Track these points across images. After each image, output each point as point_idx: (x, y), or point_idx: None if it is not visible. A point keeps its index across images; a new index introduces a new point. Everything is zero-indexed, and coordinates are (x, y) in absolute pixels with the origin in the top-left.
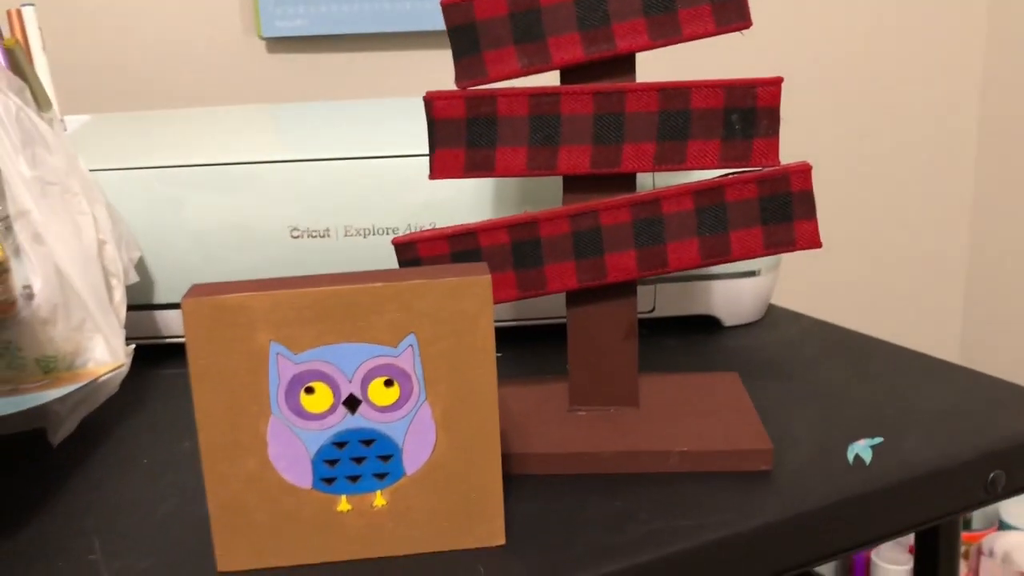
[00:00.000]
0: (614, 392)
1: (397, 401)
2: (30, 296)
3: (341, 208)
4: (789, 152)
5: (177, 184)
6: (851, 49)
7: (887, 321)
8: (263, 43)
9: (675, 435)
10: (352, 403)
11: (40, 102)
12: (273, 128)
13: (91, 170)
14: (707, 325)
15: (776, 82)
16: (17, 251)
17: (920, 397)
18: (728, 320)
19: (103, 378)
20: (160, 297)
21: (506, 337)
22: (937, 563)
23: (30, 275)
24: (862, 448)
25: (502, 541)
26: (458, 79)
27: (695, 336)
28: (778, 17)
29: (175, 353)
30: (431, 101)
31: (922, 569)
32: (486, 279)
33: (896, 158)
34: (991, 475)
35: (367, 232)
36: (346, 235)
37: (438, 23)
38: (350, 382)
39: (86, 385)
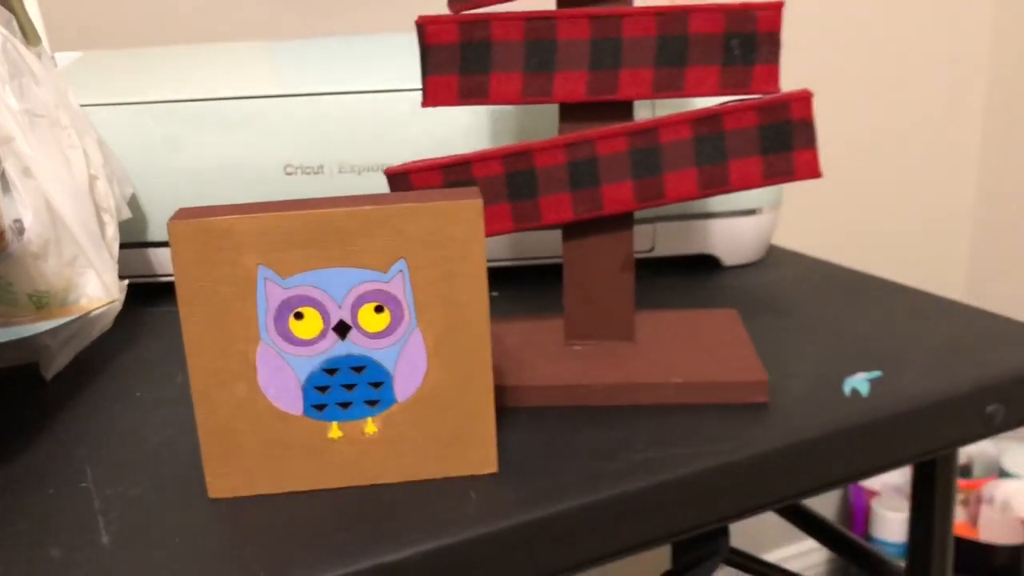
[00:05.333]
0: (610, 326)
1: (388, 327)
2: (20, 230)
3: (335, 144)
4: (793, 80)
5: (170, 120)
6: None
7: (892, 262)
8: None
9: (671, 367)
10: (342, 329)
11: (28, 36)
12: (267, 64)
13: (82, 105)
14: (707, 265)
15: (777, 6)
16: (6, 185)
17: (919, 332)
18: (728, 260)
19: (95, 312)
20: (153, 235)
21: (501, 277)
22: (933, 497)
23: (20, 209)
24: (859, 382)
25: (494, 469)
26: (450, 3)
27: (695, 276)
28: None
29: (169, 291)
30: (423, 26)
31: (917, 503)
32: (477, 203)
33: (903, 92)
34: (989, 408)
35: (361, 169)
36: (340, 172)
37: None
38: (340, 308)
39: (78, 319)
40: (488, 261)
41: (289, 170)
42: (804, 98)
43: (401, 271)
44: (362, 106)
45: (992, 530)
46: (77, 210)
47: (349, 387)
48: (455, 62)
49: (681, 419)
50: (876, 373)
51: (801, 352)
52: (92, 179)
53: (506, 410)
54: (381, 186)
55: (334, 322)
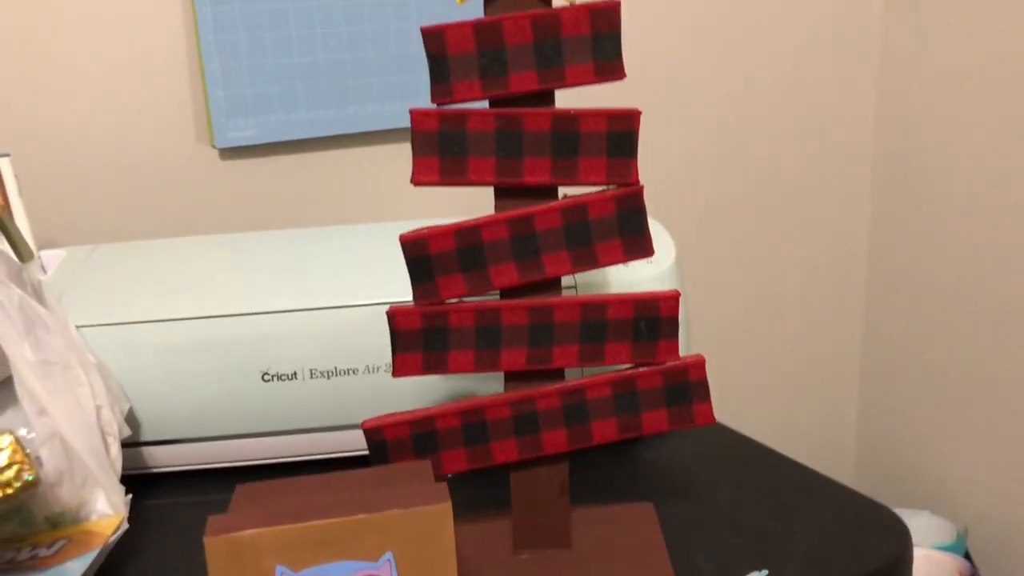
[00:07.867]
0: (550, 537)
1: None
2: (39, 464)
3: (307, 353)
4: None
5: (156, 336)
6: (733, 132)
7: (785, 413)
8: (216, 152)
9: None
10: None
11: (22, 253)
12: (243, 275)
13: (76, 326)
14: None
15: (675, 295)
16: (28, 427)
17: (801, 520)
18: None
19: (112, 538)
20: (145, 435)
21: None
22: None
23: (39, 447)
24: None
25: None
26: (416, 299)
27: (616, 449)
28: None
29: (159, 481)
30: (393, 316)
31: None
32: (447, 506)
33: (787, 252)
34: None
35: (330, 374)
36: (312, 377)
37: (380, 124)
38: None
39: (101, 550)
40: None
41: (266, 378)
42: (699, 364)
43: (388, 560)
44: (331, 319)
45: None
46: (87, 441)
47: None
48: (419, 343)
49: None
50: (764, 572)
51: (704, 546)
52: (98, 409)
53: None
54: (349, 389)
55: None
